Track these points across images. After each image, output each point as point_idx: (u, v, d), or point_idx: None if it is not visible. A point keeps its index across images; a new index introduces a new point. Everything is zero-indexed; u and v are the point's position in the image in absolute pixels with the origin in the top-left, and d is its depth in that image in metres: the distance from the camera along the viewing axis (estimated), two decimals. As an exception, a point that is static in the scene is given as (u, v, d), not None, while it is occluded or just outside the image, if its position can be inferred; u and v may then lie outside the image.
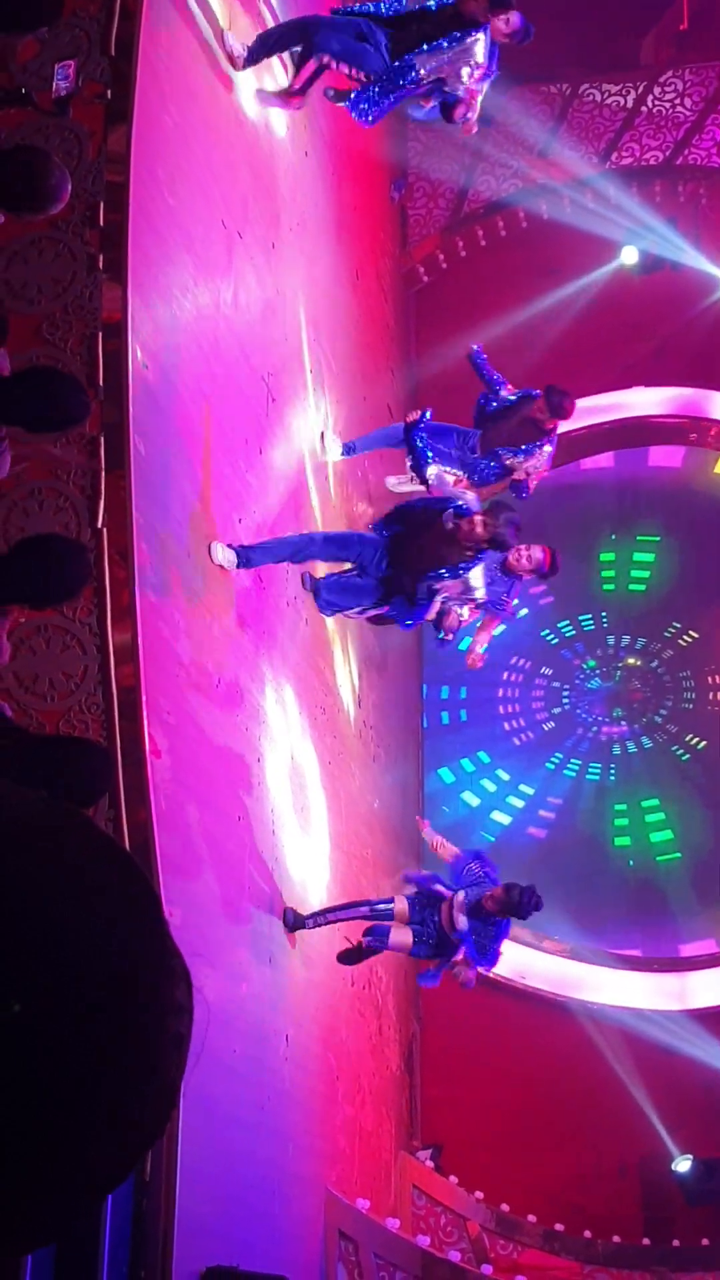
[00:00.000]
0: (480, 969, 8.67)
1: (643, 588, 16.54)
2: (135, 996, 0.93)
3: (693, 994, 13.86)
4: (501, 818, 15.90)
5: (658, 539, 16.41)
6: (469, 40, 7.81)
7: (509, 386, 9.63)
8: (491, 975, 13.95)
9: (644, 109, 14.78)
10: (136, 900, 0.96)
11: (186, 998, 0.98)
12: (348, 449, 9.81)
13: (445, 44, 7.77)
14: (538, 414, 9.38)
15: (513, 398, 9.55)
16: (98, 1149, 0.92)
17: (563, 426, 10.33)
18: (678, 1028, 13.48)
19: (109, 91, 5.98)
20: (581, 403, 13.83)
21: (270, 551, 7.24)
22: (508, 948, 13.99)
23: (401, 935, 8.35)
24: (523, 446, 9.45)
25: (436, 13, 7.82)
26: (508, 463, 9.45)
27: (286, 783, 7.81)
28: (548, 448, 9.57)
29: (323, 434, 9.52)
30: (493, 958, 8.62)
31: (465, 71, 7.87)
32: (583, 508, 15.63)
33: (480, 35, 7.83)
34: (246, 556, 6.97)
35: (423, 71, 7.84)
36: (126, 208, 5.78)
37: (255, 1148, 6.67)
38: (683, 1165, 12.71)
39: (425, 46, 7.77)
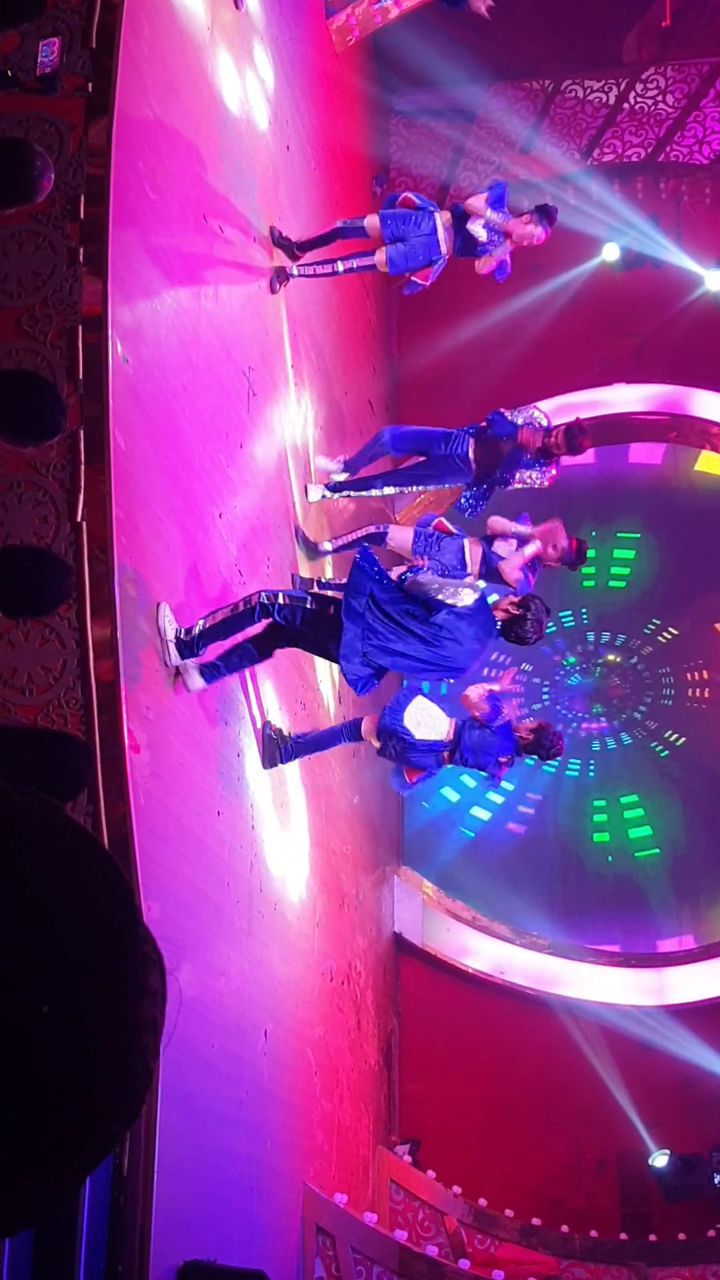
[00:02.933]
0: None
1: (623, 585, 16.59)
2: (108, 981, 0.93)
3: (671, 989, 13.91)
4: (481, 813, 15.93)
5: (638, 536, 16.46)
6: None
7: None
8: (471, 971, 14.01)
9: (626, 105, 14.82)
10: (107, 886, 0.96)
11: (160, 983, 0.98)
12: (333, 488, 9.68)
13: None
14: (553, 449, 9.16)
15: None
16: (73, 1132, 0.92)
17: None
18: (656, 1023, 13.53)
19: (90, 84, 5.96)
20: (562, 399, 13.90)
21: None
22: (485, 944, 14.10)
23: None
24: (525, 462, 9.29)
25: None
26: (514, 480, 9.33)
27: (266, 778, 7.81)
28: (552, 471, 9.46)
29: (306, 488, 9.43)
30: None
31: None
32: (563, 504, 15.65)
33: None
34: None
35: None
36: (107, 201, 5.76)
37: (233, 1143, 6.67)
38: (660, 1160, 12.77)
39: None
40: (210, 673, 6.59)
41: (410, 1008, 13.74)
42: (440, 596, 6.94)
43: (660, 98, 14.81)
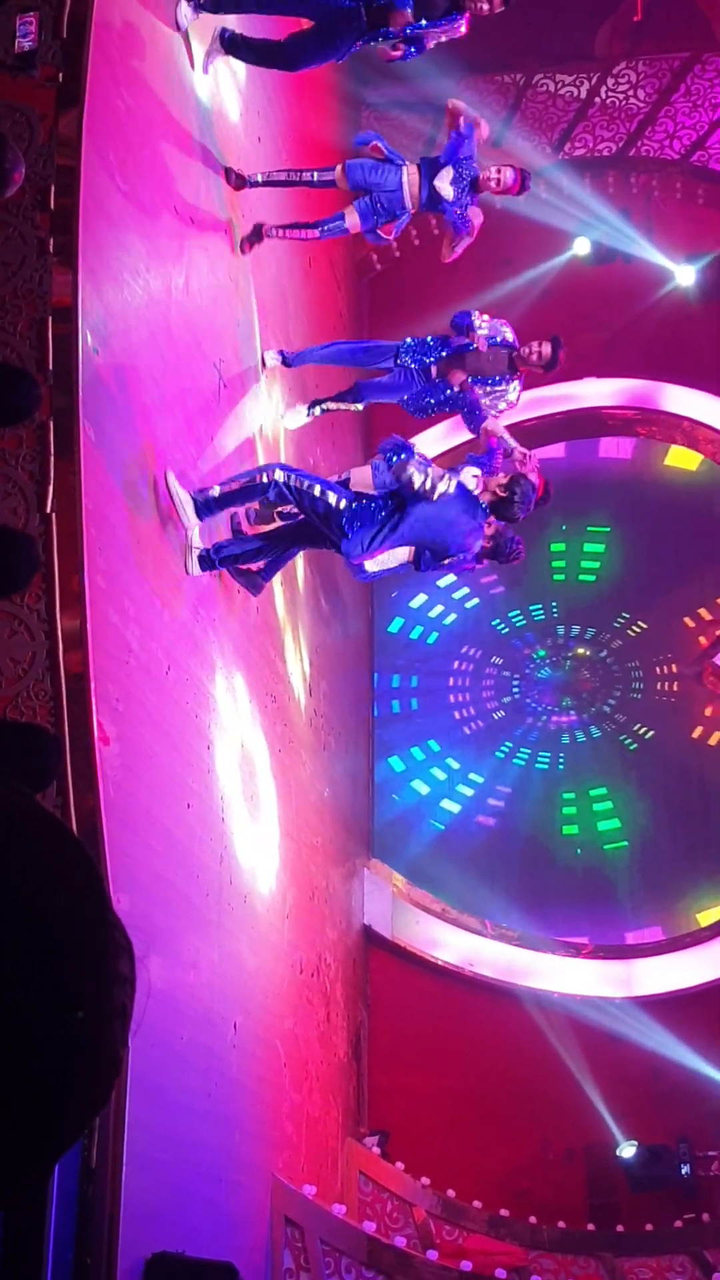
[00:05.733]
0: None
1: (593, 578, 16.65)
2: (77, 966, 0.94)
3: (639, 981, 13.99)
4: (451, 806, 15.97)
5: (608, 530, 16.52)
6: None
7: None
8: (440, 963, 14.05)
9: (598, 100, 14.85)
10: (77, 872, 0.97)
11: (129, 969, 0.99)
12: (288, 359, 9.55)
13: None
14: (532, 359, 9.08)
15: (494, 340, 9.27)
16: (40, 1117, 0.92)
17: (513, 417, 10.32)
18: (624, 1015, 13.61)
19: (61, 74, 5.94)
20: (532, 393, 13.89)
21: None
22: (455, 936, 14.13)
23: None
24: (494, 379, 9.19)
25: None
26: (477, 397, 9.19)
27: (236, 770, 7.81)
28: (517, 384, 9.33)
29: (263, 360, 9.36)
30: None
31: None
32: (534, 498, 15.69)
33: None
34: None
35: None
36: (77, 192, 5.74)
37: (202, 1134, 6.67)
38: (628, 1151, 12.84)
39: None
40: (207, 564, 7.13)
41: (379, 1000, 13.77)
42: (420, 485, 7.13)
43: (632, 92, 14.85)
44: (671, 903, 15.13)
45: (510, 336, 9.12)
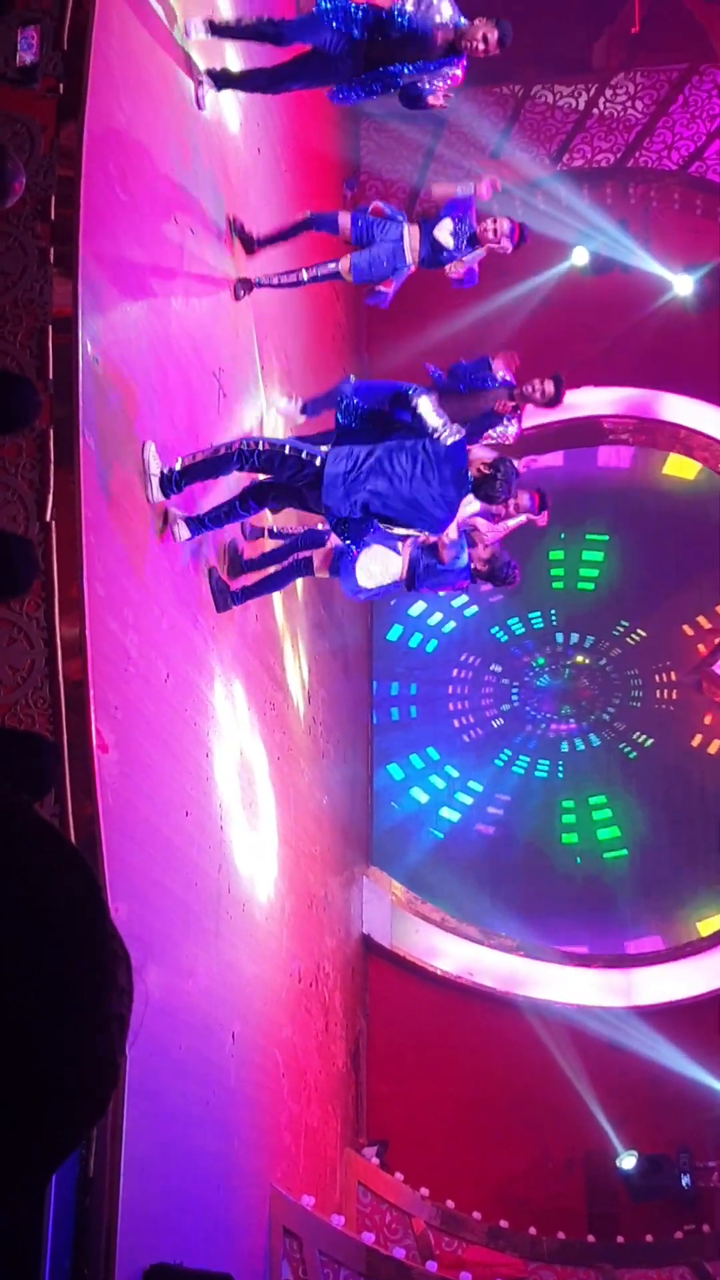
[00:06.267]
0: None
1: (591, 586, 16.67)
2: (75, 975, 0.94)
3: (638, 990, 13.98)
4: (450, 814, 15.98)
5: (606, 538, 16.54)
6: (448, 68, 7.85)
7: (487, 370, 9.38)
8: (439, 972, 14.04)
9: (595, 111, 14.90)
10: (74, 880, 0.97)
11: (127, 979, 0.99)
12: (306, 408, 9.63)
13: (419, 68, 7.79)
14: (535, 397, 9.12)
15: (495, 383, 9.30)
16: (38, 1126, 0.93)
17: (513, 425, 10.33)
18: (623, 1024, 13.60)
19: (61, 86, 5.96)
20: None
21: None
22: (454, 945, 14.12)
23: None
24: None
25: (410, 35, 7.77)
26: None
27: (235, 778, 7.81)
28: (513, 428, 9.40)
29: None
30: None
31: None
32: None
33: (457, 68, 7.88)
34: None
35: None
36: (78, 202, 5.75)
37: (200, 1144, 6.67)
38: (628, 1161, 12.82)
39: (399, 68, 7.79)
40: (195, 525, 7.02)
41: (378, 1009, 13.75)
42: (431, 423, 7.04)
43: (629, 103, 14.89)
44: (671, 911, 15.13)
45: (505, 375, 9.21)
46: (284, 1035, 8.93)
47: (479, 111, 14.13)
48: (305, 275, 9.00)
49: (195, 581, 7.35)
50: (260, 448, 7.02)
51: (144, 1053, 5.35)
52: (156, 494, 6.63)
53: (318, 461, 7.00)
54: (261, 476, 7.29)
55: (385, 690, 16.16)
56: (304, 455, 7.04)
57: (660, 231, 15.06)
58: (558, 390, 9.12)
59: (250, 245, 8.75)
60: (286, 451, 7.07)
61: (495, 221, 8.77)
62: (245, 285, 8.73)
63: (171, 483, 6.70)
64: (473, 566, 8.56)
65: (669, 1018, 13.58)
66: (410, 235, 8.70)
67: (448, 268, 8.95)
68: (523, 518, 9.49)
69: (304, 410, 9.70)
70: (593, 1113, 13.12)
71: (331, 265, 8.90)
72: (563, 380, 9.12)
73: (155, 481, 6.60)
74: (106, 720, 5.49)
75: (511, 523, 9.44)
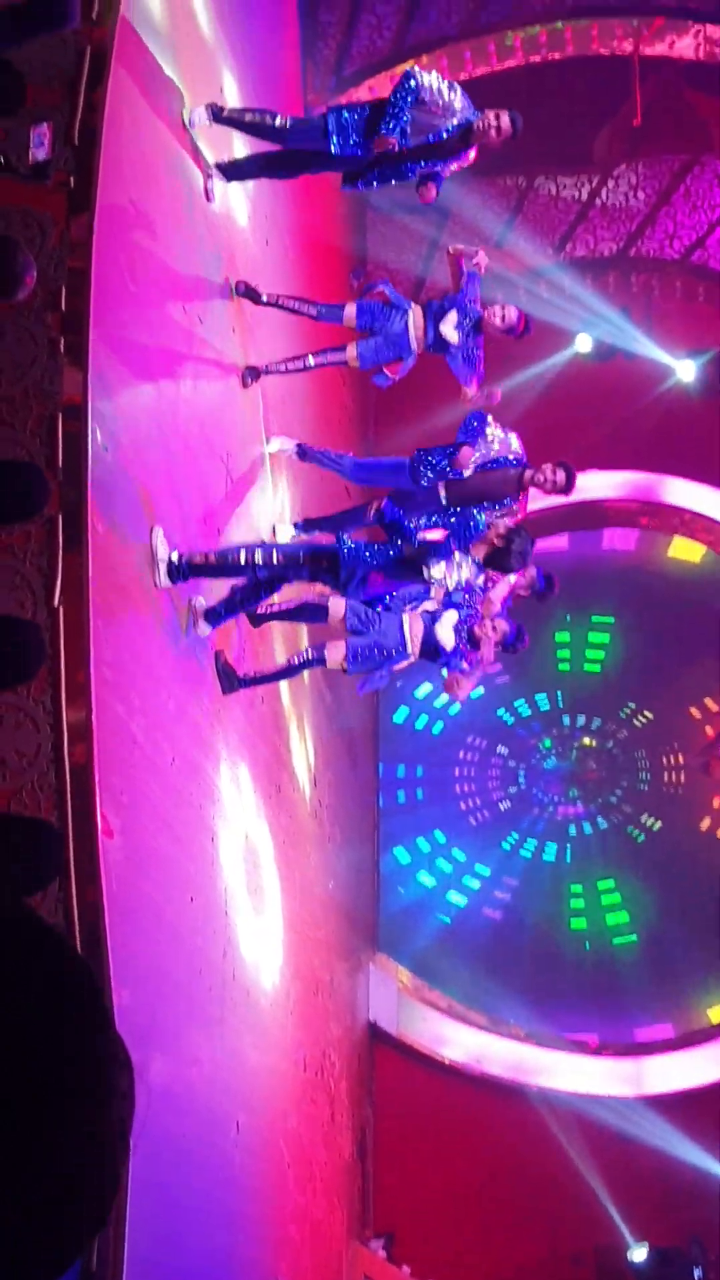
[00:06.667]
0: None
1: (598, 668, 16.69)
2: (79, 1085, 0.94)
3: (649, 1079, 13.79)
4: (457, 898, 15.86)
5: (612, 620, 16.58)
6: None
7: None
8: (446, 1061, 13.86)
9: (598, 202, 15.17)
10: (78, 988, 0.97)
11: (129, 1085, 0.99)
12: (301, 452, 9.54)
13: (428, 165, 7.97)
14: (546, 486, 9.03)
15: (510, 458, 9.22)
16: (42, 1238, 0.92)
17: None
18: (633, 1114, 13.39)
19: (72, 179, 6.09)
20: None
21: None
22: (462, 1033, 13.95)
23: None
24: (502, 501, 9.16)
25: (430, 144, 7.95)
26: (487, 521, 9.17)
27: (240, 862, 7.78)
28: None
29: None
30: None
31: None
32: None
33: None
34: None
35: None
36: (88, 293, 5.85)
37: (205, 1237, 6.55)
38: (639, 1254, 12.56)
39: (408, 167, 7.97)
40: (214, 618, 7.16)
41: (385, 1098, 13.56)
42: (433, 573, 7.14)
43: (631, 194, 15.16)
44: (682, 998, 14.96)
45: (518, 448, 9.14)
46: (289, 1125, 8.80)
47: (483, 202, 14.40)
48: (312, 361, 9.10)
49: (201, 664, 7.37)
50: (275, 560, 7.20)
51: (147, 1144, 5.28)
52: (164, 580, 6.68)
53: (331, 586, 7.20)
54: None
55: (391, 773, 16.12)
56: (317, 562, 7.29)
57: (663, 318, 15.27)
58: (569, 479, 8.94)
59: (256, 297, 8.75)
60: (300, 559, 7.27)
61: (503, 308, 8.82)
62: (253, 373, 8.83)
63: (179, 571, 6.77)
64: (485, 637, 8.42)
65: (680, 1106, 13.38)
66: (415, 324, 8.79)
67: (464, 391, 9.00)
68: (513, 577, 9.21)
69: (298, 527, 9.60)
70: (603, 1204, 12.88)
71: (337, 355, 8.99)
72: (573, 468, 9.07)
73: (163, 567, 6.66)
74: (112, 805, 5.49)
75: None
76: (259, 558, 7.16)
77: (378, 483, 9.46)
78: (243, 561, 7.13)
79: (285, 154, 8.27)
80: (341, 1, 13.49)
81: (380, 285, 9.05)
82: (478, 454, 8.82)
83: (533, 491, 9.54)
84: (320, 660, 8.42)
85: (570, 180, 15.23)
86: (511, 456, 8.99)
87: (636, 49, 13.72)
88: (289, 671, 8.42)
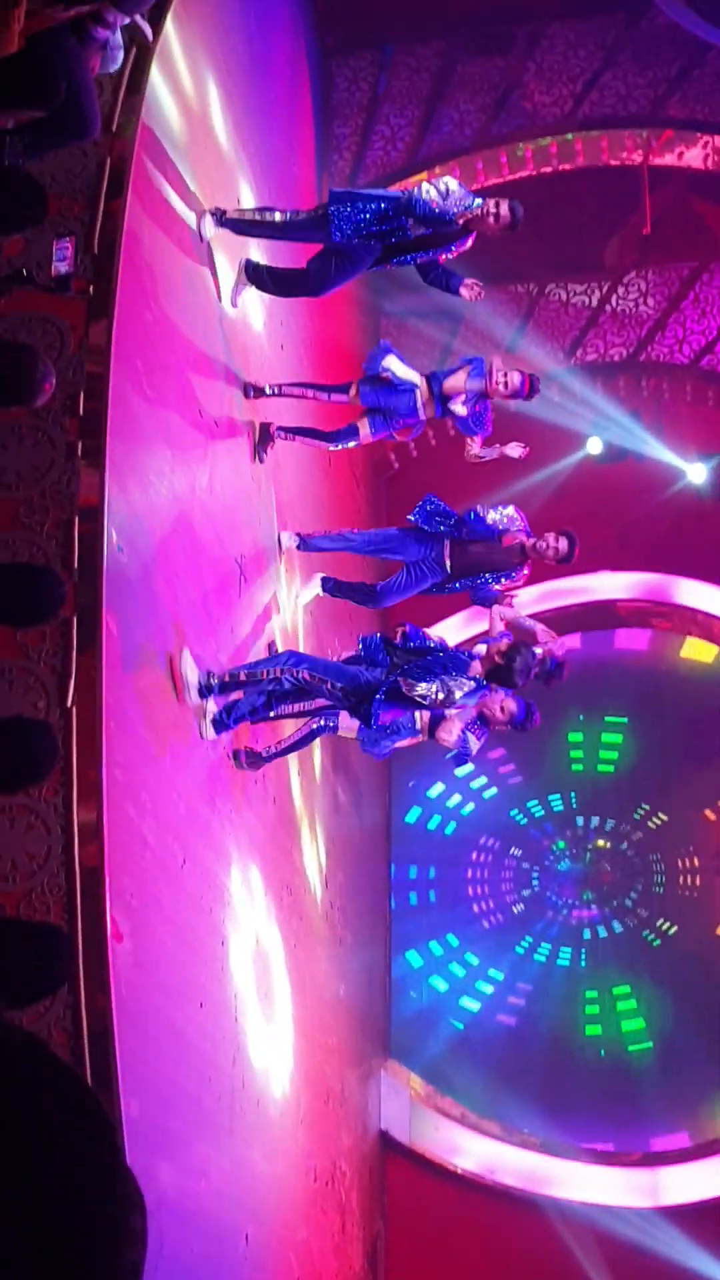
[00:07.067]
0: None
1: (611, 769, 16.59)
2: (91, 1228, 0.92)
3: (665, 1190, 13.46)
4: (470, 1004, 15.62)
5: (625, 720, 16.52)
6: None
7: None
8: (459, 1171, 13.55)
9: (608, 308, 15.40)
10: (90, 1128, 0.96)
11: (141, 1224, 0.97)
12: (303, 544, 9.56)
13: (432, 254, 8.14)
14: (548, 554, 9.10)
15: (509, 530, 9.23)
16: None
17: (531, 608, 10.39)
18: (650, 1226, 13.06)
19: (91, 287, 6.21)
20: (548, 585, 14.11)
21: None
22: (475, 1142, 13.66)
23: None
24: (507, 571, 9.16)
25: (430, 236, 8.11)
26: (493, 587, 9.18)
27: (250, 967, 7.68)
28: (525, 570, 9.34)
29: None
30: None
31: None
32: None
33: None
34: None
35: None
36: (106, 397, 5.94)
37: None
38: None
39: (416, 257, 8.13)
40: (220, 726, 7.24)
41: (397, 1209, 13.25)
42: (437, 696, 7.25)
43: (641, 300, 15.40)
44: (698, 1106, 14.66)
45: (520, 521, 9.24)
46: (299, 1237, 8.59)
47: (494, 309, 14.62)
48: (332, 448, 9.32)
49: (212, 765, 7.35)
50: (301, 676, 7.33)
51: (155, 1256, 5.14)
52: (195, 699, 6.93)
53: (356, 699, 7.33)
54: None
55: (404, 874, 15.97)
56: (343, 688, 7.37)
57: (673, 422, 15.42)
58: (571, 548, 9.01)
59: (258, 394, 8.84)
60: (329, 688, 7.37)
61: (506, 375, 8.88)
62: (265, 436, 8.90)
63: (211, 690, 7.03)
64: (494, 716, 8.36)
65: (698, 1218, 13.05)
66: (422, 401, 8.89)
67: (468, 444, 9.13)
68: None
69: (301, 543, 9.61)
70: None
71: (350, 438, 9.13)
72: (575, 538, 9.11)
73: (193, 690, 6.90)
74: (122, 908, 5.44)
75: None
76: (286, 681, 7.34)
77: (386, 553, 9.50)
78: (270, 679, 7.30)
79: (317, 278, 8.34)
80: (356, 114, 13.84)
81: (386, 354, 9.01)
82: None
83: (547, 586, 9.58)
84: (335, 728, 8.47)
85: (581, 287, 15.48)
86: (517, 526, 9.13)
87: (646, 160, 14.02)
88: (307, 739, 8.45)
